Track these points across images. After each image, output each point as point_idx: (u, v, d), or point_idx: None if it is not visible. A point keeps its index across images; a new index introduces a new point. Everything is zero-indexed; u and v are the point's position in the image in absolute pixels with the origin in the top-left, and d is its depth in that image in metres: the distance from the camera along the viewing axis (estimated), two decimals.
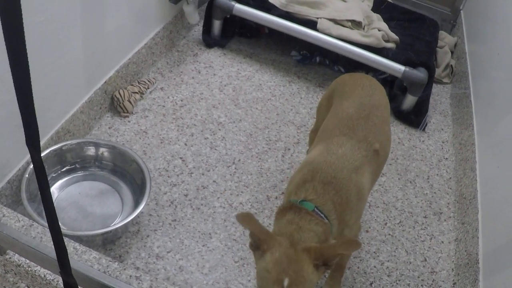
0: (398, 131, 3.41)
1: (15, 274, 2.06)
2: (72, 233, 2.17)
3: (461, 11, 4.50)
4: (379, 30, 3.50)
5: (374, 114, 2.10)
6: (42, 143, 2.41)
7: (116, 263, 1.92)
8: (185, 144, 2.91)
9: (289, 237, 1.69)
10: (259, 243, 1.64)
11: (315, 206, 1.78)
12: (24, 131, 1.18)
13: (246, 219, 1.67)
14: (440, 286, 2.53)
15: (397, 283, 2.49)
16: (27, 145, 1.20)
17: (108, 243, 2.36)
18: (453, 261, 2.66)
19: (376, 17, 3.76)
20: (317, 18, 3.47)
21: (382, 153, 2.06)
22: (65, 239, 1.53)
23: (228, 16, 3.61)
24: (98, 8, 2.57)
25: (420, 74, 3.27)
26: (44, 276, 1.96)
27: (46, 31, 2.19)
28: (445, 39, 4.27)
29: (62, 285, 1.93)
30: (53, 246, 1.49)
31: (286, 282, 1.54)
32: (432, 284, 2.53)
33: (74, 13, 2.37)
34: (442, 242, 2.75)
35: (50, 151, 2.44)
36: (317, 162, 1.91)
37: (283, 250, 1.60)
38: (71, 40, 2.42)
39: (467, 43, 4.07)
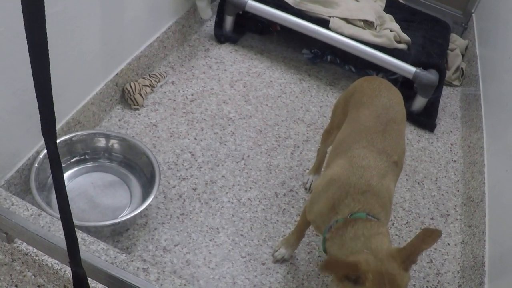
0: (407, 132, 3.41)
1: (22, 262, 2.07)
2: (81, 223, 2.17)
3: (473, 14, 4.49)
4: (391, 31, 3.49)
5: (392, 128, 2.10)
6: None
7: (124, 254, 1.93)
8: (195, 139, 2.91)
9: (367, 250, 1.70)
10: (350, 276, 1.61)
11: (366, 213, 1.80)
12: (41, 119, 1.19)
13: (331, 266, 1.64)
14: None
15: None
16: (42, 134, 1.21)
17: (116, 234, 2.36)
18: (459, 264, 2.66)
19: (388, 17, 3.75)
20: (330, 17, 3.47)
21: (399, 165, 2.07)
22: None
23: (241, 12, 3.62)
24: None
25: (431, 76, 3.26)
26: (52, 265, 1.96)
27: (60, 21, 2.19)
28: (456, 42, 4.27)
29: (69, 275, 1.94)
30: (61, 236, 1.49)
31: None
32: (437, 285, 2.53)
33: (89, 4, 2.38)
34: (449, 244, 2.75)
35: (60, 141, 2.44)
36: (345, 177, 1.91)
37: (374, 268, 1.58)
38: (85, 31, 2.42)
39: (478, 46, 4.06)
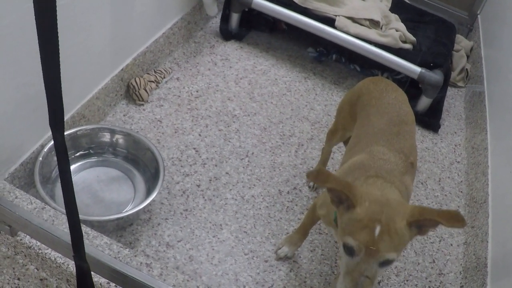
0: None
1: (25, 256, 2.07)
2: (85, 218, 2.17)
3: (478, 16, 4.49)
4: (396, 31, 3.49)
5: (404, 130, 2.09)
6: None
7: (127, 249, 1.93)
8: (199, 135, 2.91)
9: (378, 189, 1.70)
10: (342, 198, 1.58)
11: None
12: (49, 112, 1.19)
13: (321, 177, 1.60)
14: None
15: (405, 283, 2.50)
16: (50, 126, 1.21)
17: (119, 229, 2.37)
18: (461, 264, 2.66)
19: (394, 17, 3.75)
20: (335, 15, 3.47)
21: (415, 166, 2.06)
22: None
23: (247, 10, 3.61)
24: None
25: (436, 76, 3.26)
26: (55, 259, 1.97)
27: (68, 14, 2.20)
28: (461, 43, 4.26)
29: (72, 269, 1.95)
30: (65, 229, 1.50)
31: (377, 229, 1.50)
32: (439, 286, 2.53)
33: None
34: (451, 244, 2.75)
35: (65, 135, 2.42)
36: (366, 163, 1.91)
37: (374, 199, 1.56)
38: (92, 25, 2.42)
39: (483, 47, 4.06)
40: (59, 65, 1.11)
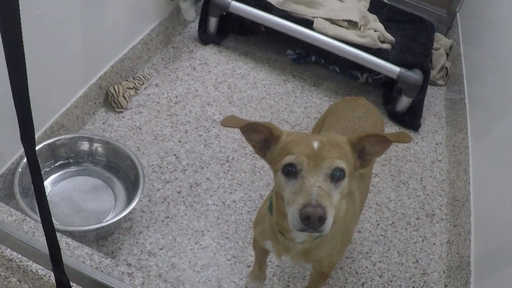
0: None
1: (7, 268, 2.05)
2: (65, 228, 2.16)
3: (457, 14, 4.50)
4: (375, 31, 3.49)
5: None
6: (36, 137, 2.40)
7: (109, 259, 1.92)
8: (179, 141, 2.90)
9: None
10: (266, 141, 1.50)
11: None
12: (19, 127, 1.18)
13: (235, 119, 1.53)
14: None
15: (388, 284, 2.50)
16: (21, 141, 1.20)
17: (100, 239, 2.36)
18: (444, 263, 2.67)
19: (372, 17, 3.75)
20: (314, 17, 3.47)
21: (367, 176, 2.03)
22: (58, 234, 1.52)
23: (225, 14, 3.61)
24: (95, 2, 2.56)
25: (415, 75, 3.26)
26: (36, 271, 1.95)
27: (42, 25, 2.18)
28: (441, 41, 4.28)
29: (53, 281, 1.93)
30: (45, 242, 1.48)
31: (316, 143, 1.38)
32: (423, 285, 2.53)
33: (71, 8, 2.37)
34: (434, 244, 2.75)
35: (44, 145, 2.43)
36: None
37: (297, 131, 1.47)
38: (68, 34, 2.41)
39: (462, 45, 4.07)
40: (27, 79, 1.09)
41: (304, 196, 1.32)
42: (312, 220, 1.29)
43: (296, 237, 1.63)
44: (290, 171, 1.38)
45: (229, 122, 1.53)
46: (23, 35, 1.02)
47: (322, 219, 1.29)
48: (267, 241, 1.83)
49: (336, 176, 1.37)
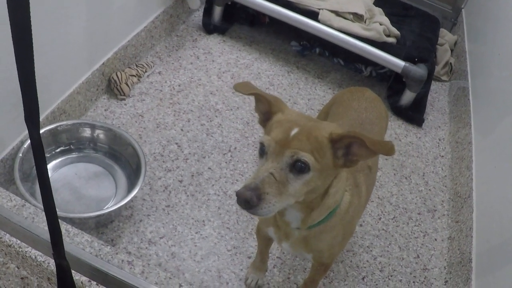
0: (395, 126, 3.40)
1: (5, 254, 2.04)
2: (65, 215, 2.14)
3: (463, 10, 4.48)
4: (380, 24, 3.47)
5: (366, 129, 2.05)
6: None
7: (109, 247, 1.91)
8: (181, 130, 2.88)
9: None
10: (269, 110, 1.52)
11: None
12: (24, 107, 1.16)
13: (249, 85, 1.57)
14: (432, 284, 2.53)
15: (389, 279, 2.48)
16: (25, 121, 1.18)
17: (100, 226, 2.34)
18: (445, 259, 2.65)
19: (378, 11, 3.73)
20: (319, 9, 3.45)
21: (373, 171, 2.02)
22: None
23: (230, 3, 3.59)
24: None
25: (420, 70, 3.24)
26: (35, 257, 1.93)
27: (46, 8, 2.16)
28: (446, 37, 4.26)
29: (53, 267, 1.92)
30: (45, 227, 1.47)
31: (294, 131, 1.39)
32: (424, 281, 2.52)
33: None
34: (435, 239, 2.74)
35: (45, 130, 2.41)
36: None
37: (302, 113, 1.49)
38: (73, 19, 2.39)
39: (467, 42, 4.06)
40: (33, 60, 1.08)
41: (252, 177, 1.37)
42: (240, 201, 1.34)
43: (291, 222, 1.65)
44: (262, 151, 1.43)
45: (240, 87, 1.57)
46: None
47: (248, 202, 1.33)
48: (269, 227, 1.84)
49: (298, 167, 1.37)
